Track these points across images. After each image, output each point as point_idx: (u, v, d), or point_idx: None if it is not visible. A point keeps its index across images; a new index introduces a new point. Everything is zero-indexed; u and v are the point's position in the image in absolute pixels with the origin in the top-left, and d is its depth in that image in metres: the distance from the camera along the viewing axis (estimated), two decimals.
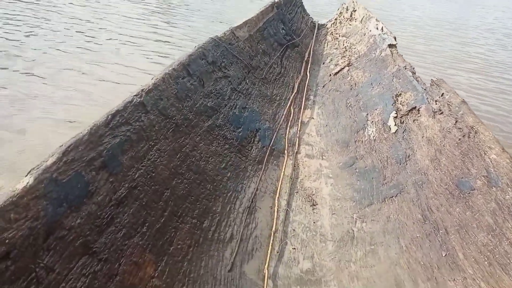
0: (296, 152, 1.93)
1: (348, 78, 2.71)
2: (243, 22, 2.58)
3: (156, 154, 1.28)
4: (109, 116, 1.13)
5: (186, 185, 1.34)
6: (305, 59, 3.12)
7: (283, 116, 2.24)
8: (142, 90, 1.35)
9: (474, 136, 1.43)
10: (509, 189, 1.14)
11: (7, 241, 0.73)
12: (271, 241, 1.34)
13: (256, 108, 2.14)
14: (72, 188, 0.91)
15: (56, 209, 0.85)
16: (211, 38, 2.09)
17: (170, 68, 1.59)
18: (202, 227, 1.28)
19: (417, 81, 2.02)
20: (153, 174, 1.22)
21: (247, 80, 2.25)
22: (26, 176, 0.83)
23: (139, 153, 1.20)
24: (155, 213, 1.15)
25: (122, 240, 0.99)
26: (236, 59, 2.24)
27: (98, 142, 1.05)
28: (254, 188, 1.58)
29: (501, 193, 1.16)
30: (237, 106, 1.97)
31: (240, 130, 1.85)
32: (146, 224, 1.10)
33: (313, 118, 2.32)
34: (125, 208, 1.05)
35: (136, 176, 1.14)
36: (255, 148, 1.84)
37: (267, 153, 1.84)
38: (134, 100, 1.28)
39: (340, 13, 3.79)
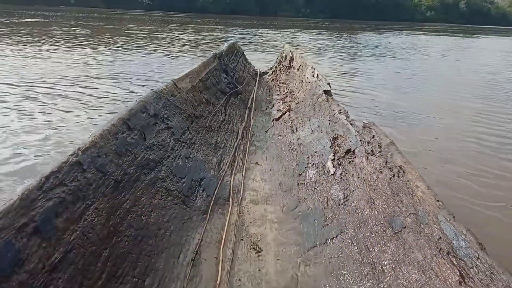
0: (241, 199, 1.95)
1: (290, 123, 2.85)
2: (185, 74, 2.65)
3: (94, 214, 1.24)
4: (43, 179, 1.10)
5: (127, 242, 1.31)
6: (248, 105, 3.24)
7: (228, 163, 2.28)
8: (79, 149, 1.33)
9: (402, 175, 1.55)
10: (435, 225, 1.24)
11: None
12: None
13: (201, 157, 2.16)
14: (1, 258, 0.87)
15: None
16: (153, 91, 2.13)
17: (109, 124, 1.58)
18: (144, 286, 1.24)
19: (351, 124, 2.18)
20: (90, 235, 1.18)
21: (191, 130, 2.29)
22: None
23: (74, 214, 1.16)
24: (92, 275, 1.10)
25: None
26: (179, 110, 2.28)
27: (30, 207, 1.01)
28: (199, 239, 1.57)
29: (428, 229, 1.26)
30: (181, 157, 1.98)
31: (184, 180, 1.85)
32: None
33: (257, 163, 2.38)
34: (59, 274, 1.00)
35: (72, 238, 1.10)
36: (199, 198, 1.84)
37: (212, 202, 1.85)
38: (70, 160, 1.25)
39: (280, 61, 4.03)
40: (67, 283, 1.01)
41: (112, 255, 1.22)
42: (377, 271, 1.31)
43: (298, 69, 3.54)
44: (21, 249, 0.93)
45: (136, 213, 1.45)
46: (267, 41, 13.87)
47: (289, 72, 3.75)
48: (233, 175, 2.17)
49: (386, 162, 1.70)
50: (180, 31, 16.47)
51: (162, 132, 1.97)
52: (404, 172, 1.56)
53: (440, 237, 1.19)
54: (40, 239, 1.00)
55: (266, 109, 3.29)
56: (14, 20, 18.02)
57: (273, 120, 3.01)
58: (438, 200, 1.31)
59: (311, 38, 16.18)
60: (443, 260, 1.14)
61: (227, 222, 1.73)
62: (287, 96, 3.39)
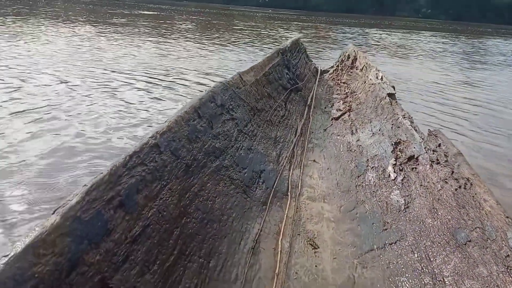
0: (299, 194, 1.99)
1: (349, 124, 2.82)
2: (250, 68, 2.73)
3: (168, 194, 1.34)
4: (127, 157, 1.21)
5: (194, 224, 1.39)
6: (308, 103, 3.25)
7: (287, 158, 2.32)
8: (157, 132, 1.44)
9: (470, 188, 1.50)
10: (503, 242, 1.19)
11: (36, 275, 0.78)
12: (274, 284, 1.37)
13: (261, 149, 2.22)
14: (93, 226, 0.97)
15: (78, 246, 0.90)
16: (220, 82, 2.22)
17: (182, 111, 1.69)
18: (209, 267, 1.32)
19: (415, 130, 2.12)
20: (165, 213, 1.27)
21: (253, 122, 2.35)
22: (53, 214, 0.89)
23: (152, 193, 1.26)
24: (165, 251, 1.20)
25: (135, 277, 1.04)
26: (243, 102, 2.35)
27: (117, 182, 1.12)
28: (258, 229, 1.63)
29: (496, 245, 1.21)
30: (243, 148, 2.05)
31: (245, 171, 1.92)
32: (157, 262, 1.14)
33: (315, 161, 2.40)
34: (139, 246, 1.10)
35: (149, 215, 1.20)
36: (259, 189, 1.90)
37: (271, 194, 1.90)
38: (149, 142, 1.36)
39: (342, 60, 3.98)
40: (145, 255, 1.11)
41: (182, 234, 1.31)
42: (437, 281, 1.29)
43: (361, 69, 3.48)
44: (109, 219, 1.03)
45: (203, 197, 1.54)
46: (375, 42, 13.30)
47: (351, 72, 3.70)
48: (291, 170, 2.21)
49: (452, 172, 1.65)
50: (282, 28, 16.50)
51: (227, 122, 2.05)
52: (471, 184, 1.51)
53: (508, 255, 1.15)
54: (124, 212, 1.10)
55: (325, 107, 3.28)
56: (135, 12, 19.37)
57: (332, 119, 3.00)
58: (507, 217, 1.26)
59: (424, 40, 15.32)
60: (510, 279, 1.10)
61: (285, 215, 1.78)
62: (347, 96, 3.35)
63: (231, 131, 2.04)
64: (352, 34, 15.93)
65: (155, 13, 20.21)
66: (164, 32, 11.53)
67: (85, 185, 1.02)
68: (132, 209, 1.14)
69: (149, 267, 1.10)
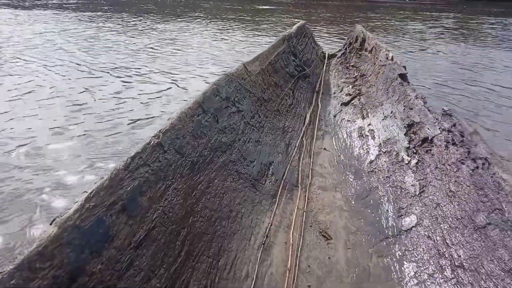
0: (310, 184, 1.94)
1: (360, 108, 2.74)
2: (255, 57, 2.66)
3: (173, 194, 1.31)
4: (128, 160, 1.18)
5: (202, 223, 1.37)
6: (316, 89, 3.18)
7: (296, 147, 2.27)
8: (160, 131, 1.41)
9: (488, 168, 1.43)
10: None
11: None
12: (286, 278, 1.34)
13: (269, 141, 2.17)
14: (93, 234, 0.95)
15: (78, 256, 0.88)
16: (225, 74, 2.17)
17: (186, 107, 1.65)
18: (218, 266, 1.30)
19: (429, 110, 2.04)
20: (170, 214, 1.25)
21: (260, 113, 2.30)
22: (51, 224, 0.87)
23: (156, 194, 1.24)
24: (172, 253, 1.18)
25: (140, 284, 1.02)
26: (249, 93, 2.31)
27: (118, 186, 1.09)
28: (269, 223, 1.60)
29: None
30: (251, 140, 2.01)
31: (253, 164, 1.88)
32: (164, 266, 1.12)
33: (325, 149, 2.34)
34: (143, 251, 1.08)
35: (154, 217, 1.18)
36: (268, 182, 1.87)
37: (281, 186, 1.86)
38: (152, 142, 1.33)
39: (350, 43, 3.87)
40: (150, 260, 1.09)
41: (189, 234, 1.28)
42: (456, 266, 1.23)
43: (371, 51, 3.37)
44: (111, 226, 1.01)
45: (210, 194, 1.51)
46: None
47: (359, 54, 3.59)
48: (301, 160, 2.16)
49: (469, 152, 1.57)
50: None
51: (233, 115, 2.01)
52: (489, 164, 1.43)
53: None
54: (127, 217, 1.08)
55: (334, 93, 3.20)
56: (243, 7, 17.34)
57: (341, 105, 2.92)
58: None
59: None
60: None
61: (296, 207, 1.74)
62: (357, 79, 3.26)
63: (238, 124, 2.00)
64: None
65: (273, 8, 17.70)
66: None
67: (84, 191, 1.00)
68: (135, 213, 1.12)
69: (154, 271, 1.08)
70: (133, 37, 7.90)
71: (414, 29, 10.37)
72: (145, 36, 8.04)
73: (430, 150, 1.80)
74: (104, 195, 1.03)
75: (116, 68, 5.19)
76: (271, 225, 1.59)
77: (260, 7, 17.08)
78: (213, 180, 1.58)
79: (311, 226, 1.63)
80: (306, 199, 1.81)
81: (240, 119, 2.05)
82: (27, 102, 3.73)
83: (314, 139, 2.43)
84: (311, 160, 2.19)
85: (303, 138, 2.38)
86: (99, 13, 12.21)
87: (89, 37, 7.69)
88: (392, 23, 11.77)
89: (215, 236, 1.39)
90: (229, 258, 1.36)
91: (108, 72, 4.93)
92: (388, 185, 1.80)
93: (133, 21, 10.58)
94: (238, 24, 10.50)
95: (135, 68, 5.19)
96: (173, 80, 4.67)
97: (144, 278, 1.04)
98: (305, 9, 16.46)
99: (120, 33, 8.37)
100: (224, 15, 13.10)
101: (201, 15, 12.86)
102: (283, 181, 1.91)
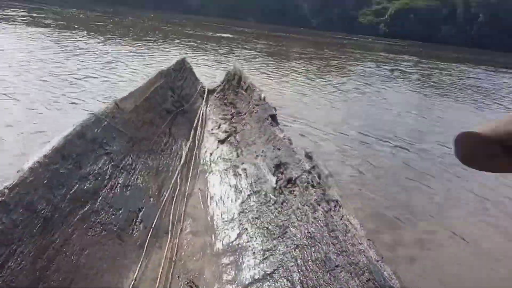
0: (181, 230, 1.90)
1: (235, 146, 2.84)
2: (129, 93, 2.56)
3: (19, 259, 1.15)
4: None
5: None
6: (194, 125, 3.19)
7: (169, 189, 2.22)
8: (6, 187, 1.24)
9: (338, 210, 1.60)
10: (365, 267, 1.28)
11: None
12: None
13: (140, 184, 2.08)
14: None
15: None
16: (91, 113, 2.03)
17: (40, 156, 1.49)
18: None
19: (294, 151, 2.21)
20: (13, 286, 1.09)
21: (132, 154, 2.20)
22: None
23: None
24: None
25: None
26: (120, 133, 2.19)
27: None
28: (132, 279, 1.50)
29: (359, 270, 1.30)
30: (118, 185, 1.90)
31: (120, 212, 1.77)
32: None
33: (200, 189, 2.34)
34: None
35: None
36: (136, 231, 1.77)
37: (149, 235, 1.78)
38: None
39: (228, 79, 4.02)
40: None
41: None
42: None
43: (246, 90, 3.55)
44: None
45: (66, 253, 1.36)
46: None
47: (236, 92, 3.75)
48: (174, 203, 2.11)
49: (324, 194, 1.75)
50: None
51: (99, 158, 1.87)
52: (340, 206, 1.62)
53: (369, 279, 1.24)
54: None
55: (212, 129, 3.26)
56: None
57: (218, 142, 2.98)
58: (369, 239, 1.37)
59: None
60: None
61: (163, 257, 1.68)
62: (233, 116, 3.39)
63: (104, 168, 1.87)
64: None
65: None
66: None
67: None
68: None
69: None
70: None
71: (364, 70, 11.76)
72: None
73: (294, 190, 1.95)
74: None
75: None
76: (135, 280, 1.50)
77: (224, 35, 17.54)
78: (70, 236, 1.43)
79: (178, 277, 1.59)
80: (176, 247, 1.76)
81: (108, 163, 1.92)
82: None
83: (189, 179, 2.41)
84: (184, 202, 2.15)
85: (177, 179, 2.34)
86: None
87: None
88: (347, 62, 13.34)
89: None
90: None
91: None
92: (256, 226, 1.87)
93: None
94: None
95: None
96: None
97: None
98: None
99: None
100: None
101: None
102: (152, 228, 1.83)
